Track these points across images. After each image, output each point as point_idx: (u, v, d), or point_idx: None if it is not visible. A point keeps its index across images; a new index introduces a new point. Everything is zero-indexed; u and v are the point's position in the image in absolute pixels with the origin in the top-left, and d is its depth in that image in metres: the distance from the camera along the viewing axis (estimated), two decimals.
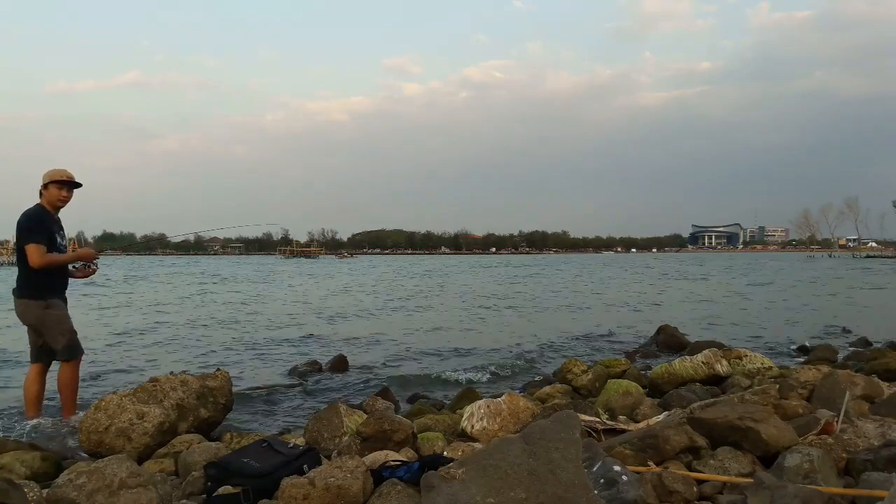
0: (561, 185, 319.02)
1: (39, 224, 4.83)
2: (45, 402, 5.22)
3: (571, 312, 16.04)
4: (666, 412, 4.24)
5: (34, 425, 4.89)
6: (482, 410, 4.15)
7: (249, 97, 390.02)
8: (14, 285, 4.96)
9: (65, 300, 5.09)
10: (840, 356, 7.84)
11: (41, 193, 4.96)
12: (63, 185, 4.94)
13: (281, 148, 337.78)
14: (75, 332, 5.01)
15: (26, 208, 4.90)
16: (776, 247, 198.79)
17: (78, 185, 5.04)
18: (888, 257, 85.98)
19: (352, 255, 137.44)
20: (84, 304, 18.51)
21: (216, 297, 22.22)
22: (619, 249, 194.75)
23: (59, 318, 4.95)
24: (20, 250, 4.85)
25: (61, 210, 5.06)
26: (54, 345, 4.93)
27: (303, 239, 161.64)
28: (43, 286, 4.89)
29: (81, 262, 5.19)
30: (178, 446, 3.95)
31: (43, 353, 4.98)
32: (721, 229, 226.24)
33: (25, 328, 5.00)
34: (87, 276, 5.29)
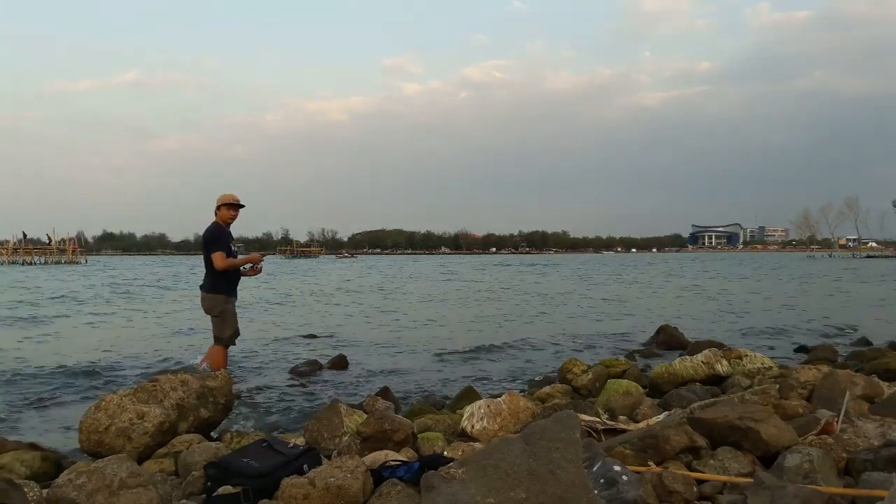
0: (561, 185, 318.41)
1: (221, 237, 6.19)
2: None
3: (571, 312, 16.05)
4: (666, 412, 4.24)
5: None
6: (482, 410, 4.15)
7: (249, 97, 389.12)
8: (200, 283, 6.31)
9: (236, 296, 6.43)
10: (840, 356, 7.83)
11: (216, 213, 6.26)
12: (231, 207, 6.27)
13: (281, 148, 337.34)
14: (238, 327, 6.39)
15: (209, 225, 6.25)
16: (776, 247, 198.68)
17: (242, 206, 6.38)
18: (888, 257, 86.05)
19: (352, 254, 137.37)
20: (74, 308, 18.55)
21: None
22: (619, 249, 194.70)
23: (233, 313, 6.32)
24: (207, 257, 6.17)
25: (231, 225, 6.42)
26: (221, 333, 6.24)
27: (303, 239, 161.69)
28: (225, 286, 6.25)
29: (251, 264, 6.46)
30: (178, 446, 3.95)
31: (234, 338, 6.33)
32: (721, 229, 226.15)
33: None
34: (256, 274, 6.59)
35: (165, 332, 12.03)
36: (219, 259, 6.07)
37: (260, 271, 6.57)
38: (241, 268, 6.37)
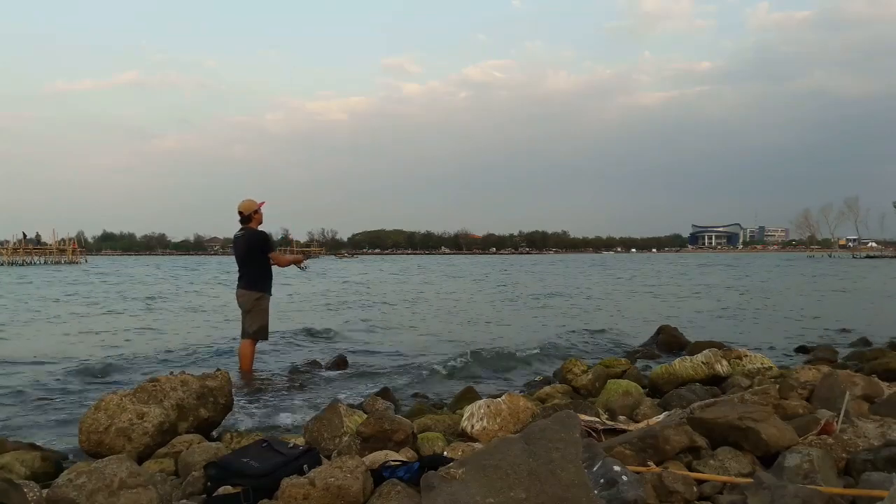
0: (561, 185, 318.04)
1: (271, 240, 7.14)
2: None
3: (571, 312, 16.04)
4: (666, 412, 4.25)
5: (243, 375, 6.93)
6: (482, 410, 4.15)
7: (249, 97, 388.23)
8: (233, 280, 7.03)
9: (270, 294, 7.07)
10: (840, 356, 7.83)
11: (248, 219, 6.90)
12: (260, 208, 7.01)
13: (281, 148, 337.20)
14: (267, 322, 6.99)
15: (251, 231, 6.93)
16: (776, 247, 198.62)
17: (263, 203, 7.07)
18: (888, 257, 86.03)
19: (352, 255, 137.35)
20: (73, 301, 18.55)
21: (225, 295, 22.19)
22: (619, 249, 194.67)
23: (264, 309, 6.91)
24: (255, 257, 6.85)
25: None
26: (250, 326, 6.84)
27: (303, 239, 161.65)
28: (259, 283, 6.90)
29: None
30: (178, 446, 3.95)
31: (261, 333, 6.95)
32: (721, 229, 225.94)
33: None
34: (304, 269, 7.58)
35: (165, 331, 12.03)
36: (279, 256, 7.04)
37: (306, 267, 7.52)
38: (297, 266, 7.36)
